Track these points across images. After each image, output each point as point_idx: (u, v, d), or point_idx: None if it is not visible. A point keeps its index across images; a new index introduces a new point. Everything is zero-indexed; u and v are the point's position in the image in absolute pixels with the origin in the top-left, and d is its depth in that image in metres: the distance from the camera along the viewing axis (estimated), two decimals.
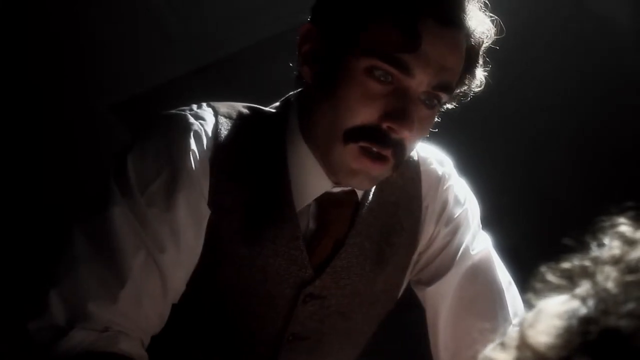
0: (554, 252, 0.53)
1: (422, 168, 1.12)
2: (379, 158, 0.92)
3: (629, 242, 0.49)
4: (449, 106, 1.01)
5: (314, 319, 1.06)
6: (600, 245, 0.51)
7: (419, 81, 0.89)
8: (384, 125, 0.90)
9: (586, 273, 0.49)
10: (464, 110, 1.10)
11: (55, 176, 2.37)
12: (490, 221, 1.23)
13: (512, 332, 0.50)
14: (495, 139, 2.51)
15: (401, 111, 0.89)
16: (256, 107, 1.06)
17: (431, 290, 1.11)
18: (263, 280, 1.01)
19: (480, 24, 0.94)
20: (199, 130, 0.97)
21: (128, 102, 2.38)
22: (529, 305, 0.51)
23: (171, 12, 2.31)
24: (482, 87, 1.00)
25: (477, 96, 1.04)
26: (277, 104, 1.07)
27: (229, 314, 1.04)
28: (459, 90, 0.99)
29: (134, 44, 2.30)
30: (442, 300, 1.09)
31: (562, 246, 0.53)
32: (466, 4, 0.92)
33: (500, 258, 1.15)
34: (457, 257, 1.09)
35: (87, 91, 2.33)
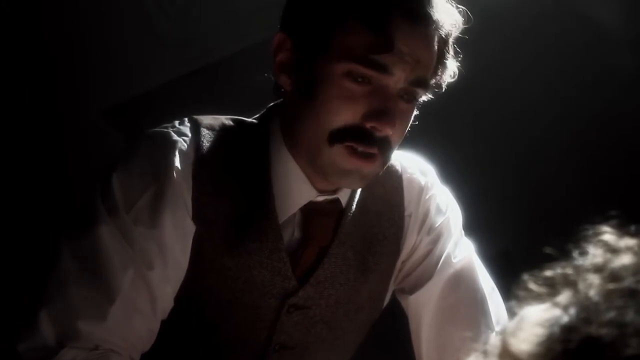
0: (545, 257, 0.53)
1: (404, 177, 1.12)
2: (367, 156, 0.93)
3: (612, 250, 0.49)
4: (424, 98, 1.01)
5: (299, 328, 1.06)
6: (583, 253, 0.51)
7: (397, 78, 0.90)
8: (367, 125, 0.91)
9: (568, 281, 0.49)
10: (455, 112, 1.10)
11: (45, 182, 2.36)
12: (480, 226, 1.24)
13: (495, 340, 0.50)
14: (486, 143, 2.52)
15: (382, 110, 0.90)
16: (239, 119, 1.06)
17: (413, 298, 1.11)
18: (248, 290, 1.01)
19: (448, 15, 0.95)
20: (182, 147, 0.97)
21: (120, 106, 2.38)
22: (512, 313, 0.51)
23: (163, 16, 2.31)
24: (455, 77, 1.02)
25: (469, 98, 1.04)
26: (259, 114, 1.07)
27: (215, 324, 1.03)
28: (433, 82, 1.00)
29: (126, 48, 2.30)
30: (424, 309, 1.09)
31: (553, 250, 0.53)
32: None
33: (491, 262, 1.15)
34: (439, 266, 1.10)
35: (79, 95, 2.33)
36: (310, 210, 1.02)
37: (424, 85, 0.94)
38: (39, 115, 2.34)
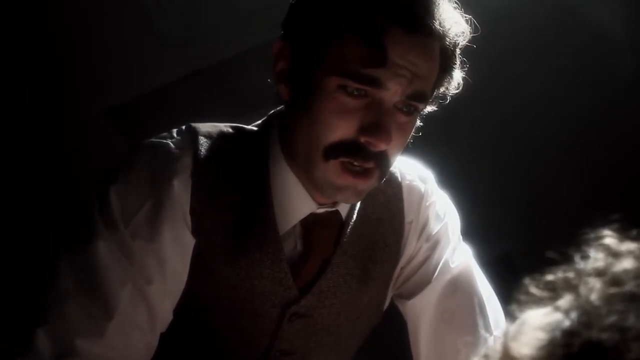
0: (545, 259, 0.52)
1: (404, 185, 1.11)
2: (363, 172, 0.91)
3: (614, 254, 0.49)
4: (429, 109, 1.00)
5: (300, 336, 1.06)
6: (585, 257, 0.51)
7: (393, 92, 0.88)
8: (362, 140, 0.89)
9: (570, 285, 0.48)
10: (455, 112, 1.09)
11: (45, 183, 2.36)
12: (479, 228, 1.23)
13: (495, 344, 0.50)
14: (486, 143, 2.52)
15: (377, 125, 0.88)
16: (239, 127, 1.05)
17: (411, 303, 1.10)
18: (249, 299, 1.00)
19: (455, 24, 0.91)
20: (180, 158, 0.96)
21: (120, 106, 2.38)
22: (512, 317, 0.51)
23: (163, 16, 2.30)
24: (460, 88, 0.98)
25: (469, 98, 1.03)
26: (260, 122, 1.06)
27: (216, 333, 1.03)
28: (437, 93, 0.98)
29: (126, 48, 2.30)
30: (422, 314, 1.09)
31: (554, 253, 0.53)
32: (435, 7, 0.89)
33: (490, 265, 1.15)
34: (437, 272, 1.09)
35: (79, 95, 2.32)
36: (310, 222, 1.01)
37: (422, 99, 0.91)
38: (39, 115, 2.34)
